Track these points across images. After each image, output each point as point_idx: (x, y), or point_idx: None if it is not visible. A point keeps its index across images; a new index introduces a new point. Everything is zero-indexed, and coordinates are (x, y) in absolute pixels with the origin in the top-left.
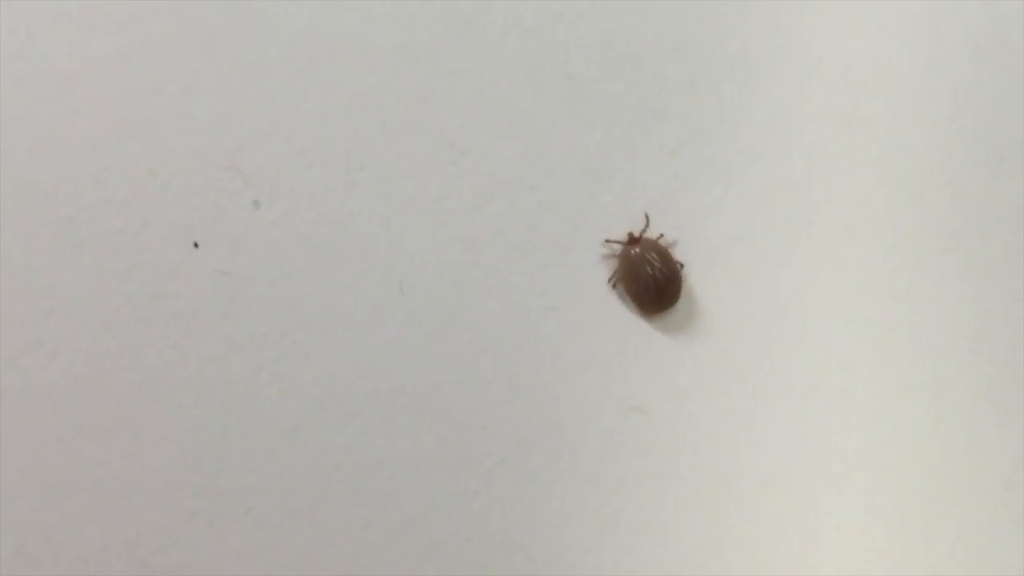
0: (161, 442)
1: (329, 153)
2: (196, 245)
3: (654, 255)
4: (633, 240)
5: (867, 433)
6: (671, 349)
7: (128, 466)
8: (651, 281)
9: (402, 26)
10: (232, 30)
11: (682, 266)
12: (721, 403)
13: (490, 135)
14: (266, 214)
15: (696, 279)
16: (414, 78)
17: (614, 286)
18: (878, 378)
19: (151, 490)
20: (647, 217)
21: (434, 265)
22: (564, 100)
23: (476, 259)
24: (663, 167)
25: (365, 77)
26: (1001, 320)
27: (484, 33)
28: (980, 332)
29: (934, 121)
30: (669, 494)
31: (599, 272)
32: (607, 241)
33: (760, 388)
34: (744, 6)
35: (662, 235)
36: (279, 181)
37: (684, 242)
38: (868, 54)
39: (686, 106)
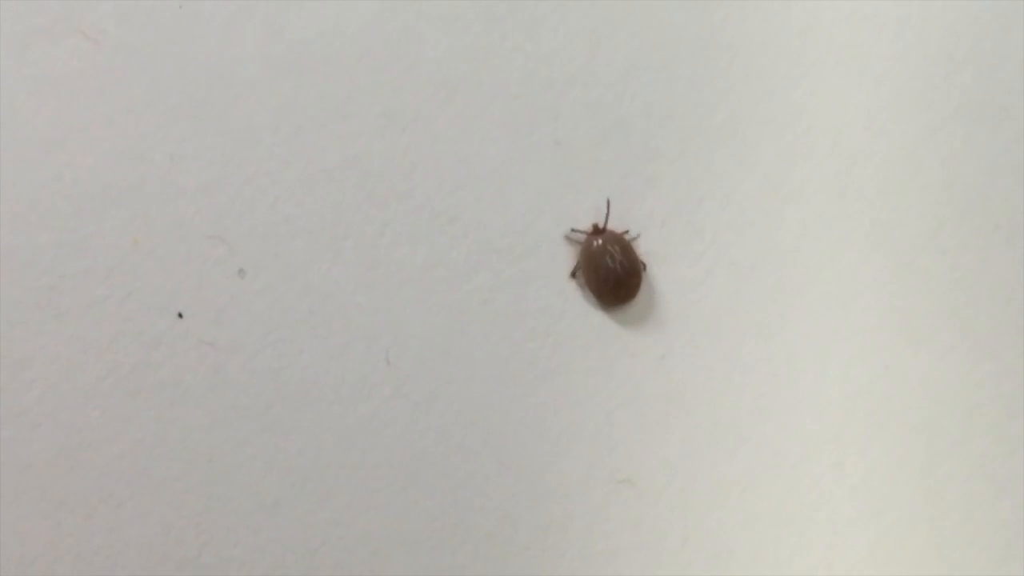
0: (143, 515)
1: (315, 221)
2: (180, 315)
3: (616, 248)
4: (597, 231)
5: (859, 506)
6: (661, 421)
7: (110, 540)
8: (610, 273)
9: (388, 93)
10: (217, 98)
11: (645, 267)
12: (711, 476)
13: (478, 203)
14: (251, 283)
15: (686, 349)
16: (401, 145)
17: (573, 274)
18: (870, 450)
19: (133, 564)
20: (608, 204)
21: (421, 335)
22: (553, 167)
23: (464, 329)
24: (653, 236)
25: (351, 144)
26: (995, 392)
27: (472, 99)
28: (974, 404)
29: (927, 190)
30: (659, 568)
31: (588, 342)
32: (572, 230)
33: (751, 460)
34: (734, 74)
35: (627, 231)
36: (264, 250)
37: (674, 312)
38: (860, 122)
39: (676, 174)
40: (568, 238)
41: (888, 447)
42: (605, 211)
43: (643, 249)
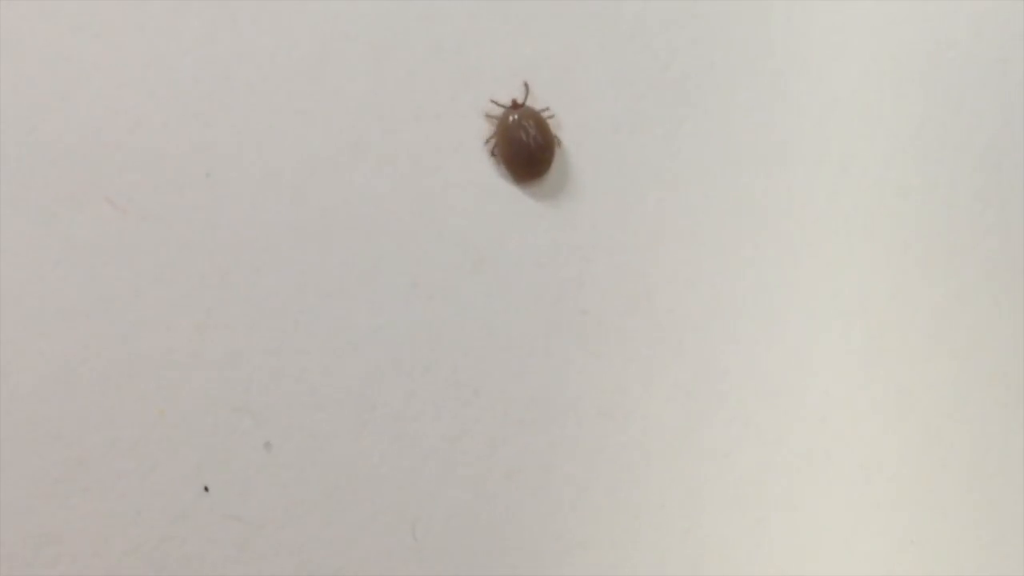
0: None
1: (341, 393)
2: (206, 488)
3: (531, 123)
4: (516, 106)
5: None
6: None
7: None
8: (523, 147)
9: (414, 262)
10: (242, 268)
11: (560, 143)
12: None
13: (503, 373)
14: (277, 456)
15: (709, 528)
16: (426, 315)
17: (492, 153)
18: None
19: None
20: (526, 86)
21: (447, 508)
22: (579, 336)
23: (490, 502)
24: (679, 406)
25: (377, 315)
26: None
27: (497, 269)
28: None
29: (952, 358)
30: None
31: (620, 515)
32: (491, 101)
33: None
34: (760, 241)
35: (547, 108)
36: (290, 422)
37: (700, 483)
38: (884, 290)
39: (701, 343)
40: (487, 114)
41: None
42: (524, 91)
43: (669, 424)
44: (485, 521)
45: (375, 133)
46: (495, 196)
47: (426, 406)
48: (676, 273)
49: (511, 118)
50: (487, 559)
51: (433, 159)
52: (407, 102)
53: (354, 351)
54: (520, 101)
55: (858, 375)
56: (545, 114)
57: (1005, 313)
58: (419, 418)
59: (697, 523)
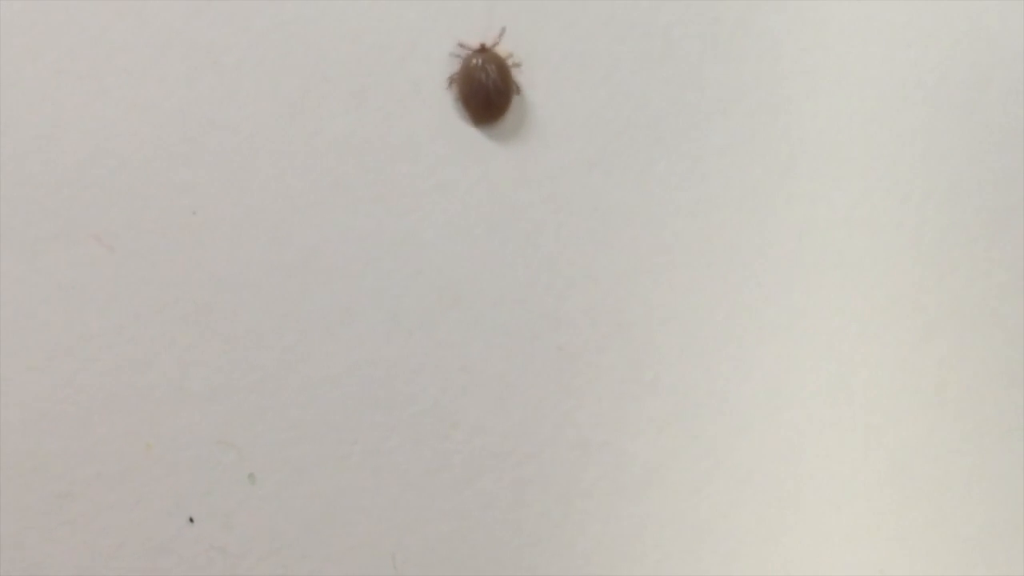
0: None
1: (322, 426)
2: (191, 520)
3: (493, 67)
4: (483, 49)
5: None
6: None
7: None
8: (481, 89)
9: (393, 297)
10: (227, 302)
11: (519, 91)
12: None
13: (481, 408)
14: (261, 488)
15: (680, 562)
16: (406, 350)
17: (449, 85)
18: None
19: None
20: (502, 31)
21: (426, 539)
22: (555, 372)
23: (468, 533)
24: (652, 440)
25: (356, 350)
26: None
27: (475, 304)
28: None
29: (919, 394)
30: None
31: (594, 548)
32: (459, 45)
33: None
34: (733, 277)
35: (511, 55)
36: (273, 455)
37: (672, 517)
38: (854, 328)
39: (675, 378)
40: (453, 53)
41: None
42: (498, 34)
43: (642, 458)
44: (463, 552)
45: (357, 172)
46: (475, 235)
47: (406, 440)
48: (649, 310)
49: (474, 60)
50: None
51: (414, 199)
52: (387, 142)
53: (336, 386)
54: (488, 45)
55: (828, 412)
56: (510, 60)
57: (975, 350)
58: (399, 451)
59: (668, 555)
